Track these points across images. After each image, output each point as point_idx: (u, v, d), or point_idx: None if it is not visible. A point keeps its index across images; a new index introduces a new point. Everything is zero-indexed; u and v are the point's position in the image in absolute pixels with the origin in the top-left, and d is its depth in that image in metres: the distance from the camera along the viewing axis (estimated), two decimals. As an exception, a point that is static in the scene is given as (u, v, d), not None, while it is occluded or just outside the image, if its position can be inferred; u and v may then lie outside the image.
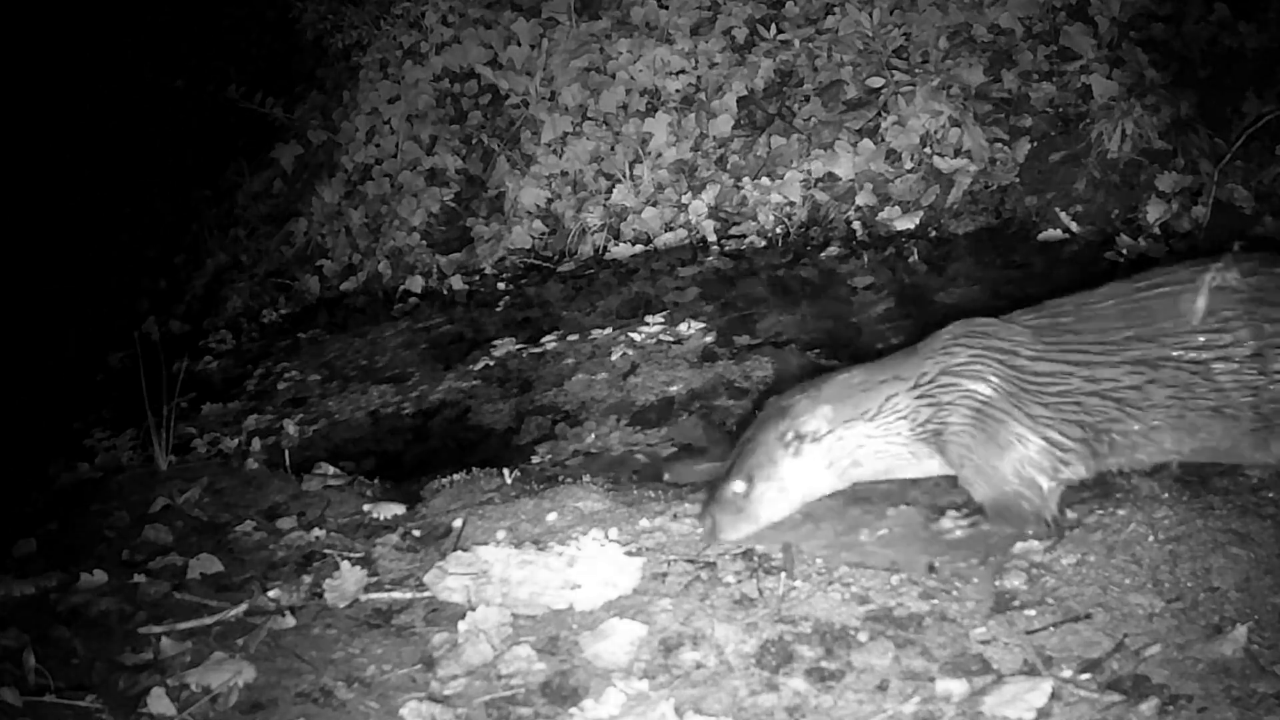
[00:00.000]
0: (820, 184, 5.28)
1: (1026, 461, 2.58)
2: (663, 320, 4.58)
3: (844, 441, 2.69)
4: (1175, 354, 2.45)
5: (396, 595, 2.79)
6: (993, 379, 2.59)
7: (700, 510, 2.83)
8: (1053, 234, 4.65)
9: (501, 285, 5.49)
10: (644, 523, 2.92)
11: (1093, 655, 2.24)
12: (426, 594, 2.76)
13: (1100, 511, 2.67)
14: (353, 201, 6.10)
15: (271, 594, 2.82)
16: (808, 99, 5.53)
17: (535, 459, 3.73)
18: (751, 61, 5.69)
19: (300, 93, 6.75)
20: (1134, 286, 2.54)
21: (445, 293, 5.58)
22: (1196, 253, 4.22)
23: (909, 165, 5.16)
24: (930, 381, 2.64)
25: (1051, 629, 2.32)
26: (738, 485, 2.71)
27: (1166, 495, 2.69)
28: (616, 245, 5.49)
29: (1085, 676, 2.18)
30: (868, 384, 2.70)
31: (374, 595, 2.79)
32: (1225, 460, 2.63)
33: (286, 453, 3.95)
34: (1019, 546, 2.62)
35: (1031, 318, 2.64)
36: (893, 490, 2.92)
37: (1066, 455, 2.58)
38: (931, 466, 2.74)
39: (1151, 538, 2.55)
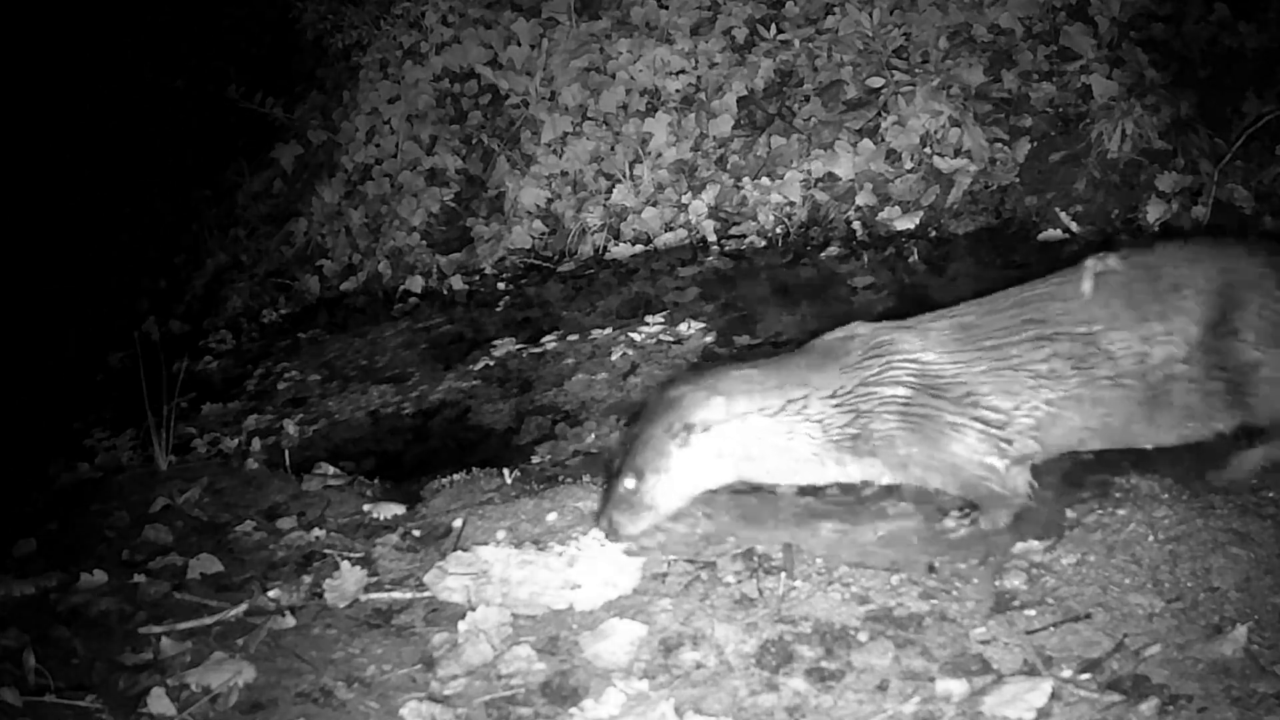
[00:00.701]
0: (820, 184, 5.28)
1: (969, 447, 2.66)
2: (663, 320, 4.58)
3: (737, 434, 2.74)
4: (1068, 328, 2.62)
5: (396, 595, 2.79)
6: (909, 379, 2.68)
7: (598, 510, 2.88)
8: (1053, 234, 4.65)
9: (501, 285, 5.49)
10: (644, 523, 2.92)
11: (1093, 655, 2.24)
12: (426, 594, 2.76)
13: (1100, 511, 2.67)
14: (353, 201, 6.10)
15: (271, 594, 2.82)
16: (808, 99, 5.53)
17: (535, 459, 3.73)
18: (751, 61, 5.69)
19: (300, 93, 6.74)
20: (1026, 285, 2.74)
21: (445, 293, 5.58)
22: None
23: (909, 165, 5.16)
24: (848, 393, 2.71)
25: (1051, 629, 2.32)
26: (629, 482, 2.77)
27: (1166, 495, 2.69)
28: (616, 245, 5.49)
29: (1085, 676, 2.18)
30: (768, 382, 2.76)
31: (374, 595, 2.79)
32: (1123, 443, 2.74)
33: (286, 453, 3.95)
34: (1019, 546, 2.62)
35: (933, 319, 2.76)
36: (893, 490, 2.92)
37: (1005, 431, 2.65)
38: (848, 473, 2.79)
39: (1151, 538, 2.55)
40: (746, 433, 2.74)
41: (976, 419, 2.65)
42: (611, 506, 2.79)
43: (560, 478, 3.39)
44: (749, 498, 3.05)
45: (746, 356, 4.13)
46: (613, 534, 2.80)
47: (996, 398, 2.64)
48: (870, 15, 5.43)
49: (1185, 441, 2.73)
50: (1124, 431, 2.68)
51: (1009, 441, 2.66)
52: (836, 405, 2.72)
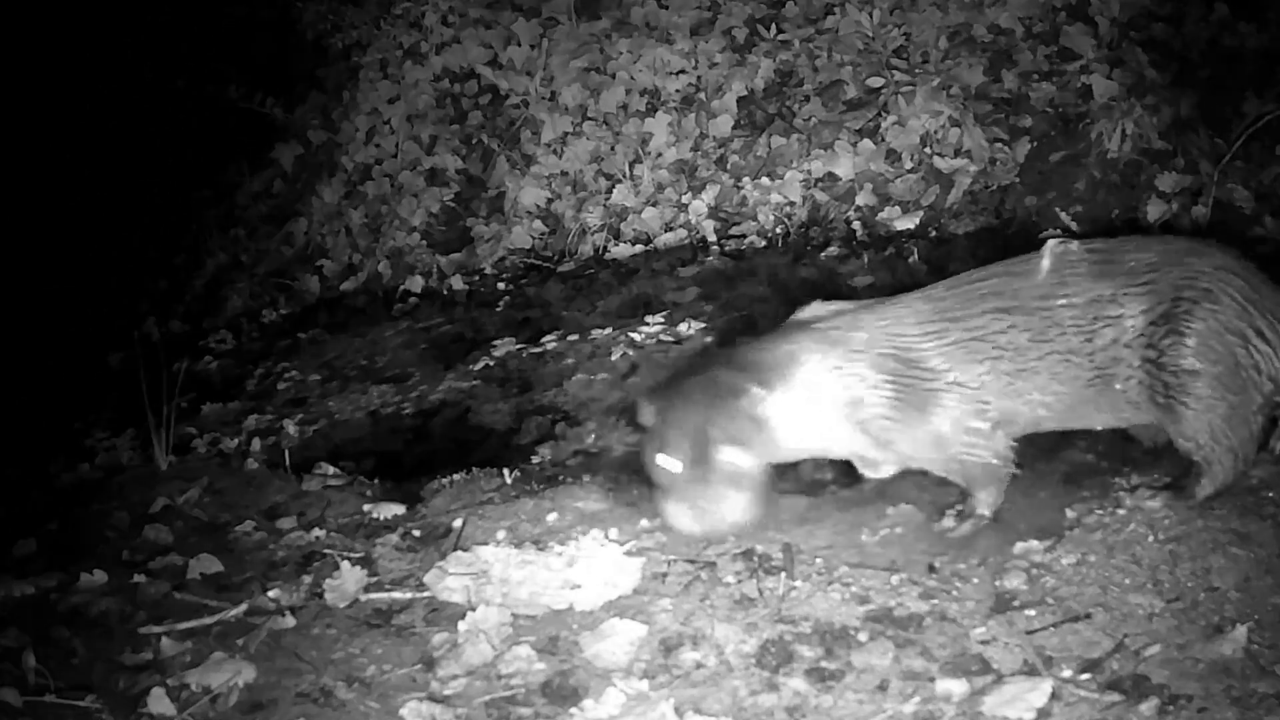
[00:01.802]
0: (820, 184, 5.28)
1: (952, 414, 2.67)
2: (663, 320, 4.58)
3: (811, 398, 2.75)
4: (1026, 301, 2.65)
5: (396, 595, 2.79)
6: (892, 351, 2.70)
7: (673, 509, 2.77)
8: (1053, 234, 4.64)
9: (501, 285, 5.49)
10: (644, 523, 2.93)
11: (1093, 655, 2.24)
12: (426, 594, 2.76)
13: (1100, 511, 2.68)
14: (353, 201, 6.09)
15: (271, 594, 2.82)
16: (808, 99, 5.53)
17: (535, 459, 3.73)
18: (751, 61, 5.69)
19: (300, 93, 6.74)
20: (992, 265, 2.77)
21: (445, 293, 5.58)
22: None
23: (909, 165, 5.16)
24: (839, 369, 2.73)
25: (1051, 629, 2.32)
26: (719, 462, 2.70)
27: (1167, 495, 2.69)
28: (616, 245, 5.49)
29: (1085, 676, 2.18)
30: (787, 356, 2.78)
31: (374, 595, 2.79)
32: (1074, 423, 2.77)
33: (286, 453, 3.95)
34: (1019, 546, 2.62)
35: (899, 298, 2.79)
36: (893, 490, 2.92)
37: (980, 393, 2.66)
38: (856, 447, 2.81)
39: (1151, 538, 2.55)
40: (814, 398, 2.73)
41: (955, 382, 2.67)
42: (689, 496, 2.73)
43: (560, 478, 3.39)
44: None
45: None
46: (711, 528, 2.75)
47: (968, 365, 2.67)
48: (870, 15, 5.43)
49: (1128, 425, 2.77)
50: (1073, 411, 2.70)
51: (987, 403, 2.67)
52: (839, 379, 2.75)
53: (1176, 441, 2.63)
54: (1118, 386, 2.63)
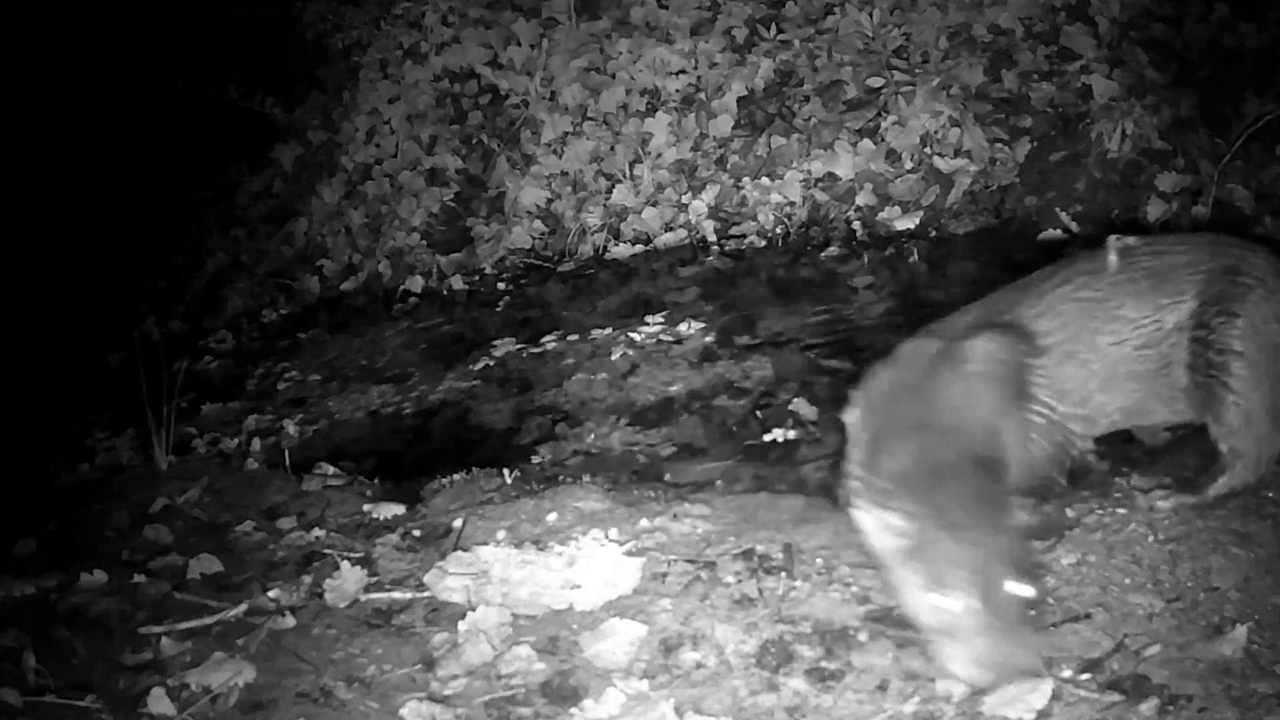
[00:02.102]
0: (820, 184, 5.28)
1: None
2: (663, 320, 4.58)
3: None
4: (1107, 303, 2.58)
5: (396, 595, 2.79)
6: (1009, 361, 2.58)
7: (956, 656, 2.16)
8: (1053, 234, 4.65)
9: (501, 285, 5.49)
10: (644, 523, 2.92)
11: (1093, 655, 2.24)
12: (426, 594, 2.76)
13: (1100, 511, 2.67)
14: (353, 201, 6.09)
15: (271, 594, 2.82)
16: (808, 99, 5.53)
17: (535, 459, 3.73)
18: (751, 61, 5.69)
19: (300, 93, 6.74)
20: (1055, 270, 2.67)
21: (445, 293, 5.58)
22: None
23: (909, 165, 5.16)
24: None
25: (1051, 629, 2.32)
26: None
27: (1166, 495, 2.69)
28: (616, 245, 5.49)
29: (1085, 676, 2.18)
30: None
31: (374, 595, 2.79)
32: (1144, 420, 2.72)
33: (286, 453, 3.95)
34: (1019, 546, 2.62)
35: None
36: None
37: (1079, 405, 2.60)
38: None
39: (1151, 538, 2.55)
40: None
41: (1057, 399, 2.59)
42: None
43: (560, 478, 3.39)
44: (749, 497, 3.06)
45: (746, 356, 4.13)
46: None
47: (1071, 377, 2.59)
48: (870, 15, 5.43)
49: (1181, 420, 2.72)
50: (1143, 406, 2.65)
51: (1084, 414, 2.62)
52: None
53: (1211, 426, 2.60)
54: (1174, 374, 2.60)
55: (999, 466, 2.30)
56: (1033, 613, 2.25)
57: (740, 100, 5.67)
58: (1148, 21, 4.99)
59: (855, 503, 2.31)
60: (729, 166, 5.56)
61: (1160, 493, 2.69)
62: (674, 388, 4.03)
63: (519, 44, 6.04)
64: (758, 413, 3.73)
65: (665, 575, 2.70)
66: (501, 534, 2.97)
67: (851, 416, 2.46)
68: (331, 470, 3.70)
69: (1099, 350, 2.59)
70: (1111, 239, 2.68)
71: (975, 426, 2.36)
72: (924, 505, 2.16)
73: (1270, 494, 2.64)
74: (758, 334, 4.33)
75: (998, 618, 2.10)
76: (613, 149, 5.71)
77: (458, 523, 3.05)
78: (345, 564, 2.88)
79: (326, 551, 3.02)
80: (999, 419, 2.41)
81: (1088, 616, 2.34)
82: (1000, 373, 2.48)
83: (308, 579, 2.88)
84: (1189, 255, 2.63)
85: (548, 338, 4.67)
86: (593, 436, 3.81)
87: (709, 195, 5.48)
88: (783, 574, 2.62)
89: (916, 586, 2.16)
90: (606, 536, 2.88)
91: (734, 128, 5.63)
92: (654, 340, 4.42)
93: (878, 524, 2.24)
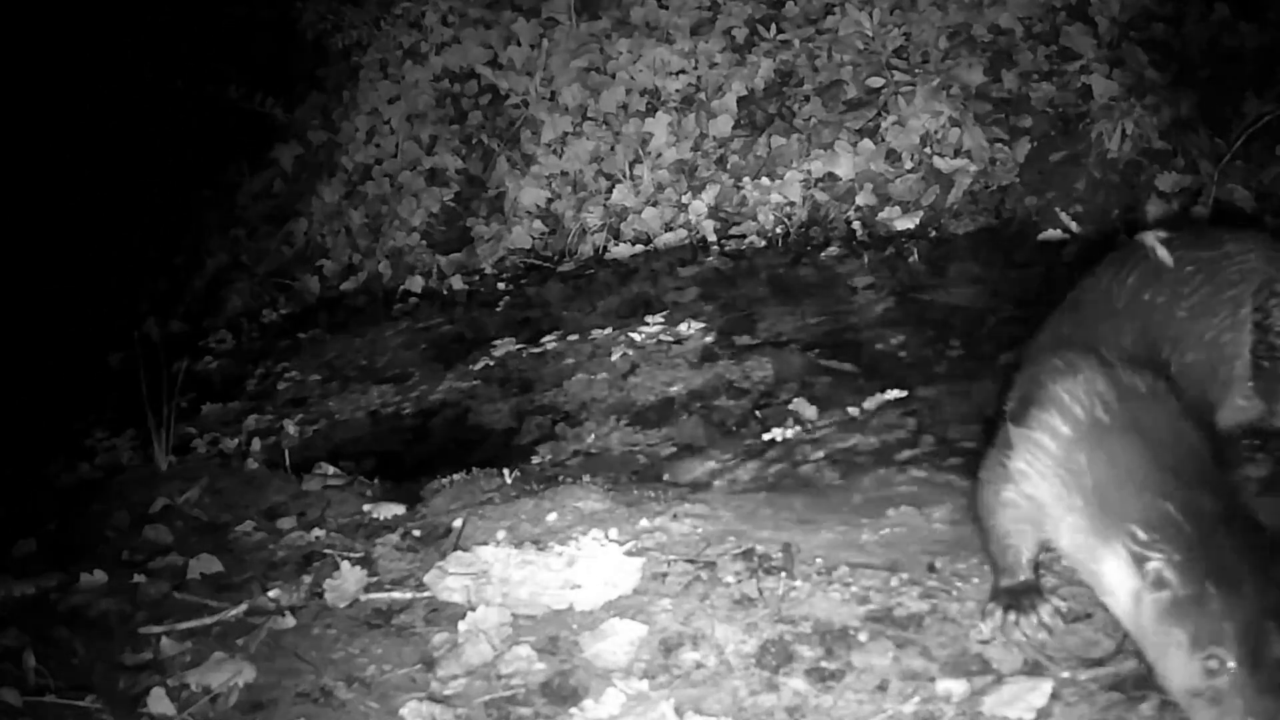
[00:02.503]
0: (820, 184, 5.28)
1: None
2: (663, 320, 4.58)
3: None
4: (1174, 308, 2.44)
5: (396, 595, 2.79)
6: None
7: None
8: (1053, 234, 4.65)
9: (501, 285, 5.49)
10: (644, 523, 2.92)
11: (1093, 655, 2.23)
12: (426, 594, 2.76)
13: (1100, 511, 2.67)
14: (353, 201, 6.10)
15: (271, 594, 2.82)
16: (808, 99, 5.53)
17: (535, 459, 3.73)
18: (751, 61, 5.69)
19: (300, 93, 6.74)
20: (1100, 278, 2.52)
21: (445, 293, 5.58)
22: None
23: (909, 165, 5.15)
24: None
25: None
26: None
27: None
28: (616, 245, 5.49)
29: (1085, 676, 2.18)
30: None
31: (374, 595, 2.79)
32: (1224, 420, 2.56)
33: (286, 453, 3.95)
34: (1019, 547, 2.61)
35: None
36: (893, 490, 2.92)
37: None
38: None
39: (1151, 538, 2.54)
40: None
41: None
42: None
43: (560, 478, 3.39)
44: (749, 497, 3.06)
45: (746, 356, 4.13)
46: None
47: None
48: (870, 15, 5.43)
49: (1244, 422, 2.61)
50: (1223, 404, 2.52)
51: None
52: None
53: (1272, 408, 2.52)
54: (1237, 374, 2.50)
55: (1248, 511, 2.05)
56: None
57: (740, 100, 5.67)
58: (1148, 21, 4.99)
59: (1094, 548, 2.10)
60: (729, 166, 5.56)
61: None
62: (674, 388, 4.03)
63: (519, 44, 6.04)
64: (758, 413, 3.73)
65: (665, 575, 2.70)
66: (501, 534, 2.97)
67: (1034, 460, 2.23)
68: (331, 470, 3.70)
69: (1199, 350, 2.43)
70: (1149, 237, 2.54)
71: (1194, 464, 2.11)
72: (1192, 555, 1.93)
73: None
74: (758, 334, 4.33)
75: (1271, 680, 1.83)
76: (613, 149, 5.71)
77: (458, 523, 3.05)
78: (345, 564, 2.88)
79: (326, 551, 3.02)
80: (1203, 448, 2.16)
81: (1088, 616, 2.34)
82: (1175, 399, 2.24)
83: (308, 579, 2.88)
84: (1232, 246, 2.53)
85: (548, 338, 4.67)
86: (593, 436, 3.81)
87: (709, 195, 5.48)
88: (783, 574, 2.62)
89: (1178, 645, 1.90)
90: (606, 536, 2.88)
91: (734, 128, 5.63)
92: (654, 340, 4.42)
93: (1129, 573, 2.00)
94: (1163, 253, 2.48)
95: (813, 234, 5.17)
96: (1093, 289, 2.52)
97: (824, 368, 3.95)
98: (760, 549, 2.73)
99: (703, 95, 5.75)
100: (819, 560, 2.68)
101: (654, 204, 5.54)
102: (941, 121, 5.10)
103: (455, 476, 3.42)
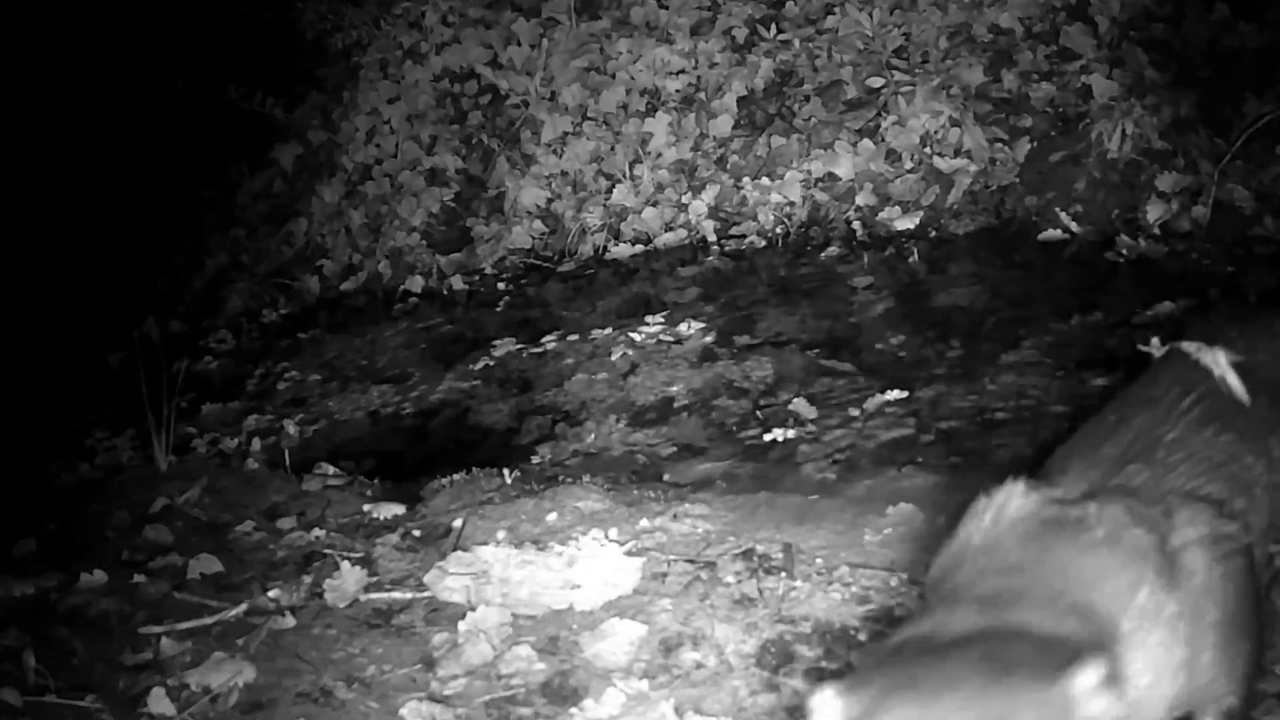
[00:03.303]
0: (820, 184, 5.28)
1: None
2: (663, 320, 4.58)
3: None
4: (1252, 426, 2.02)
5: (396, 595, 2.79)
6: None
7: None
8: (1053, 234, 4.64)
9: (501, 285, 5.49)
10: (644, 523, 2.92)
11: (1092, 655, 2.23)
12: (426, 594, 2.76)
13: (1100, 511, 2.67)
14: (353, 201, 6.09)
15: (271, 594, 2.82)
16: (808, 99, 5.53)
17: (535, 459, 3.73)
18: (751, 61, 5.69)
19: (300, 93, 6.74)
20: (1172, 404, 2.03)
21: (445, 293, 5.58)
22: (1196, 253, 4.24)
23: (909, 165, 5.15)
24: None
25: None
26: None
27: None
28: (616, 245, 5.49)
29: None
30: None
31: (374, 595, 2.79)
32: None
33: (286, 453, 3.95)
34: (1019, 546, 2.61)
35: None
36: (893, 490, 2.92)
37: None
38: None
39: (1151, 538, 2.54)
40: None
41: None
42: None
43: (560, 478, 3.39)
44: (749, 497, 3.06)
45: (746, 356, 4.13)
46: None
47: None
48: (870, 15, 5.43)
49: None
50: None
51: None
52: None
53: None
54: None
55: None
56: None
57: (740, 100, 5.67)
58: (1148, 21, 4.99)
59: None
60: (729, 166, 5.56)
61: None
62: (674, 388, 4.03)
63: (519, 44, 6.04)
64: (758, 413, 3.73)
65: (665, 575, 2.70)
66: (501, 534, 2.97)
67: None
68: (331, 470, 3.70)
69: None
70: (1213, 365, 2.04)
71: None
72: None
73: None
74: (758, 334, 4.33)
75: None
76: (613, 149, 5.71)
77: (458, 523, 3.05)
78: (345, 564, 2.88)
79: (326, 551, 3.02)
80: None
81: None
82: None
83: (308, 579, 2.88)
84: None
85: (548, 338, 4.67)
86: (593, 436, 3.81)
87: (709, 195, 5.48)
88: (783, 574, 2.62)
89: None
90: (606, 536, 2.88)
91: (734, 128, 5.63)
92: (654, 340, 4.42)
93: None
94: (1234, 383, 2.01)
95: (813, 234, 5.17)
96: (1146, 409, 2.02)
97: (824, 368, 3.95)
98: (760, 549, 2.74)
99: (703, 95, 5.75)
100: (819, 560, 2.68)
101: (654, 204, 5.54)
102: (941, 121, 5.10)
103: (455, 476, 3.42)
